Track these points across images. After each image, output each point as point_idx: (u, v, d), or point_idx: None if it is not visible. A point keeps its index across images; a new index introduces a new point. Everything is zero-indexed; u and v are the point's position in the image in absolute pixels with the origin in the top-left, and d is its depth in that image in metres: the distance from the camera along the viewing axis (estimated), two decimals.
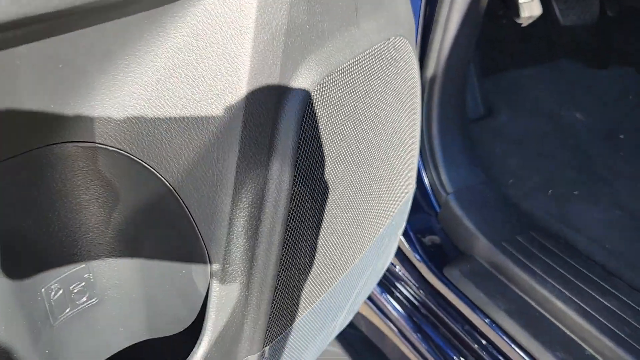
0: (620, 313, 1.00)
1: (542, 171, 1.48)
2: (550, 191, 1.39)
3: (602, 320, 0.99)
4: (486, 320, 1.10)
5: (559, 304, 1.03)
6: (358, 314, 1.45)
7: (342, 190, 0.67)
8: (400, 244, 1.30)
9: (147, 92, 0.51)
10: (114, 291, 0.65)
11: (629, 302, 1.03)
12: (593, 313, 1.00)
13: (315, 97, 0.58)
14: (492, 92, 1.72)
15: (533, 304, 1.08)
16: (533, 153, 1.54)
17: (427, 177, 1.30)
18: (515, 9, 1.32)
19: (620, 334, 0.96)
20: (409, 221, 1.28)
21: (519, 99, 1.74)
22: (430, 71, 1.21)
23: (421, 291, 1.24)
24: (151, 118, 0.52)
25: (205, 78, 0.51)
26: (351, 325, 1.53)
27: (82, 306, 0.63)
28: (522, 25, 1.38)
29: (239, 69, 0.51)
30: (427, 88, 1.23)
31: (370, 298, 1.37)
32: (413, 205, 1.32)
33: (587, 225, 1.28)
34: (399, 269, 1.30)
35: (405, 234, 1.28)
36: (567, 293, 1.04)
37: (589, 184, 1.45)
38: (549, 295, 1.05)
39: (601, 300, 1.03)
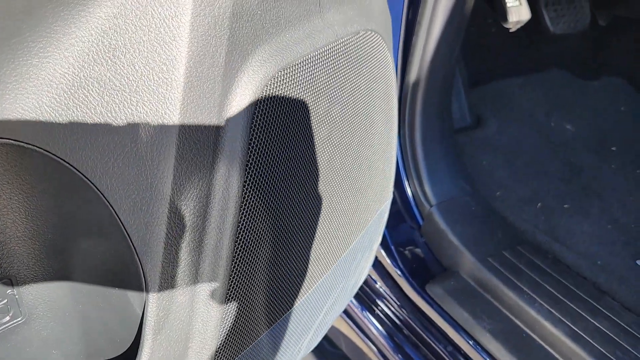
0: (612, 335, 0.93)
1: (531, 183, 1.42)
2: (539, 204, 1.33)
3: (593, 343, 0.92)
4: (470, 342, 1.03)
5: (548, 325, 0.96)
6: (338, 331, 1.37)
7: (304, 198, 0.60)
8: (381, 258, 1.23)
9: (67, 81, 0.44)
10: (43, 309, 0.58)
11: (621, 322, 0.96)
12: (583, 335, 0.93)
13: (269, 92, 0.52)
14: (480, 102, 1.67)
15: (520, 324, 1.00)
16: (522, 165, 1.48)
17: (410, 187, 1.23)
18: (503, 13, 1.26)
19: (611, 357, 0.90)
20: (390, 234, 1.22)
21: (508, 109, 1.68)
22: (413, 76, 1.15)
23: (403, 309, 1.17)
24: (73, 111, 0.45)
25: (136, 66, 0.44)
26: (330, 343, 1.45)
27: (5, 326, 0.56)
28: (510, 31, 1.32)
29: (175, 56, 0.45)
30: (409, 93, 1.17)
31: (349, 315, 1.29)
32: (395, 218, 1.26)
33: (577, 240, 1.21)
34: (379, 285, 1.23)
35: (386, 247, 1.21)
36: (556, 313, 0.97)
37: (579, 197, 1.39)
38: (537, 315, 0.98)
39: (592, 320, 0.96)
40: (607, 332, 0.94)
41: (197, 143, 0.48)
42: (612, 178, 1.47)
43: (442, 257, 1.17)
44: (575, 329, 0.94)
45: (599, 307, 1.00)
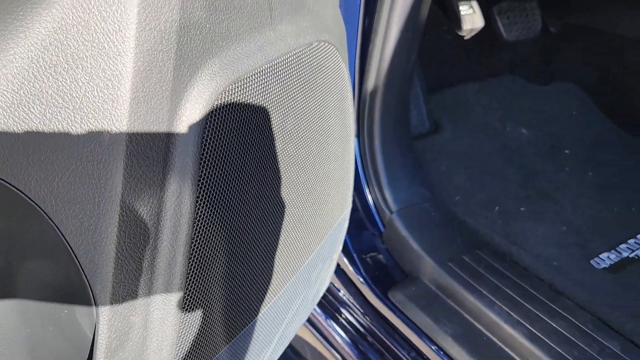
0: (568, 335, 0.96)
1: (488, 188, 1.44)
2: (496, 208, 1.36)
3: (551, 344, 0.94)
4: (433, 347, 1.04)
5: (507, 327, 0.98)
6: (302, 340, 1.37)
7: (260, 210, 0.60)
8: (343, 265, 1.23)
9: (6, 99, 0.42)
10: None
11: (577, 322, 0.98)
12: (541, 336, 0.95)
13: (220, 105, 0.51)
14: (438, 108, 1.69)
15: (481, 327, 1.02)
16: (479, 169, 1.51)
17: (371, 195, 1.24)
18: (457, 21, 1.29)
19: (568, 357, 0.92)
20: (352, 241, 1.22)
21: (464, 114, 1.71)
22: (370, 84, 1.16)
23: (366, 316, 1.17)
24: (14, 130, 0.43)
25: (80, 82, 0.43)
26: (295, 352, 1.44)
27: None
28: (465, 38, 1.35)
29: (120, 72, 0.43)
30: (367, 101, 1.18)
31: (313, 324, 1.29)
32: (357, 225, 1.26)
33: (533, 243, 1.24)
34: (342, 293, 1.23)
35: (349, 255, 1.22)
36: (514, 315, 0.99)
37: (534, 200, 1.42)
38: (497, 318, 1.00)
39: (549, 322, 0.98)
40: (564, 332, 0.96)
41: (146, 160, 0.47)
42: (566, 181, 1.52)
43: (404, 263, 1.18)
44: (533, 330, 0.96)
45: (555, 308, 1.02)
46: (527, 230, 1.29)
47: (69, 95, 0.43)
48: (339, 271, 1.24)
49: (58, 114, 0.43)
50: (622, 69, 1.84)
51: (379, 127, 1.20)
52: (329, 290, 1.27)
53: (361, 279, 1.19)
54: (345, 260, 1.22)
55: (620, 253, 1.23)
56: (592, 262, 1.20)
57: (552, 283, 1.10)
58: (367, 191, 1.24)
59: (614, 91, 1.86)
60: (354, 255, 1.21)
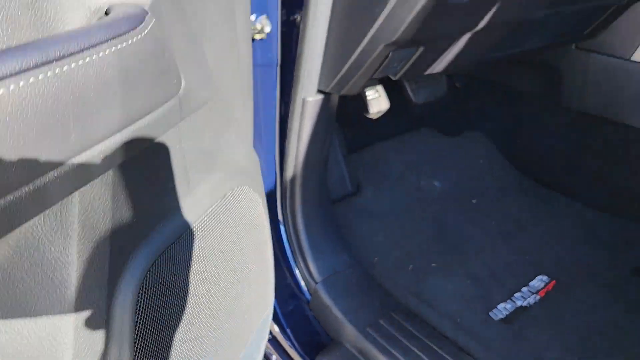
0: None
1: (404, 245, 1.61)
2: (410, 266, 1.52)
3: None
4: None
5: None
6: None
7: (187, 344, 0.72)
8: (274, 332, 1.36)
9: None
10: None
11: None
12: None
13: (149, 277, 0.63)
14: (359, 168, 1.85)
15: None
16: (396, 227, 1.68)
17: (297, 268, 1.38)
18: (364, 106, 1.45)
19: None
20: (282, 311, 1.35)
21: (384, 172, 1.88)
22: (289, 173, 1.30)
23: None
24: None
25: (33, 292, 0.54)
26: None
27: None
28: (373, 119, 1.51)
29: (65, 278, 0.55)
30: (288, 188, 1.32)
31: None
32: (286, 294, 1.39)
33: (441, 300, 1.41)
34: (275, 358, 1.36)
35: (279, 322, 1.35)
36: None
37: (444, 254, 1.60)
38: None
39: None
40: None
41: (90, 339, 0.58)
42: (472, 231, 1.71)
43: (329, 329, 1.33)
44: None
45: None
46: (437, 287, 1.46)
47: (24, 303, 0.54)
48: (271, 337, 1.37)
49: (11, 312, 0.54)
50: (519, 119, 2.07)
51: (300, 208, 1.34)
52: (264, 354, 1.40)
53: (290, 344, 1.33)
54: (276, 327, 1.35)
55: (514, 302, 1.43)
56: (490, 313, 1.38)
57: (455, 340, 1.27)
58: (294, 265, 1.37)
59: (515, 139, 2.09)
60: (284, 324, 1.34)
